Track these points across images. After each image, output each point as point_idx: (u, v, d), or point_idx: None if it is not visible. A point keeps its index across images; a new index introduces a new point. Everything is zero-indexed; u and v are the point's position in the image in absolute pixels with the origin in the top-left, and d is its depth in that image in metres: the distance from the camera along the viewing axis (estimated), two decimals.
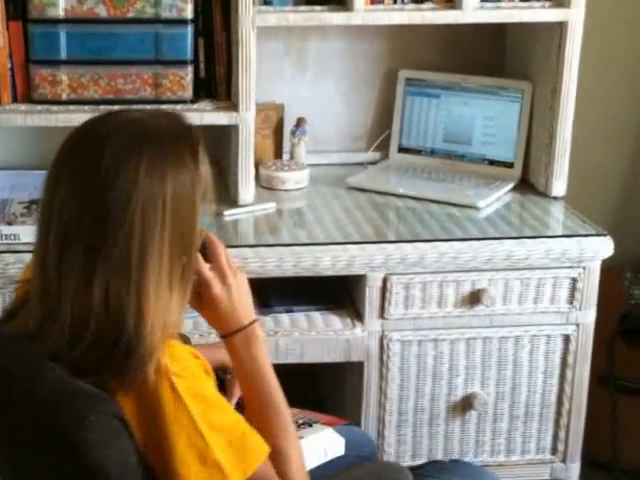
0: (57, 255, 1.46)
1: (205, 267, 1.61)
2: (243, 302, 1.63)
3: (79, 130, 1.52)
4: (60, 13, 2.43)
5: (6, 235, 2.29)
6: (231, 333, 1.64)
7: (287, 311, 2.40)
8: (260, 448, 1.54)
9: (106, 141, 1.46)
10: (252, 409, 1.66)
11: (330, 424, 1.99)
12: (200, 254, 1.60)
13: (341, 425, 2.09)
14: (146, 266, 1.44)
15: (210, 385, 1.53)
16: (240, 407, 2.01)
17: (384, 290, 2.35)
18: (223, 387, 1.89)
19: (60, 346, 1.46)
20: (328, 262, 2.31)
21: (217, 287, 1.61)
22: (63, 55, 2.47)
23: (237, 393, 1.99)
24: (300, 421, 1.97)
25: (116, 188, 1.43)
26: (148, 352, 1.44)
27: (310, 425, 1.96)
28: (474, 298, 2.38)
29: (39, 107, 2.48)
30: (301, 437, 1.86)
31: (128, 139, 1.47)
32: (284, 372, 2.13)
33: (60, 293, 1.46)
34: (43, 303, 1.48)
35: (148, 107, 2.42)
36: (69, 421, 1.41)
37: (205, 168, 1.54)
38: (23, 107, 2.48)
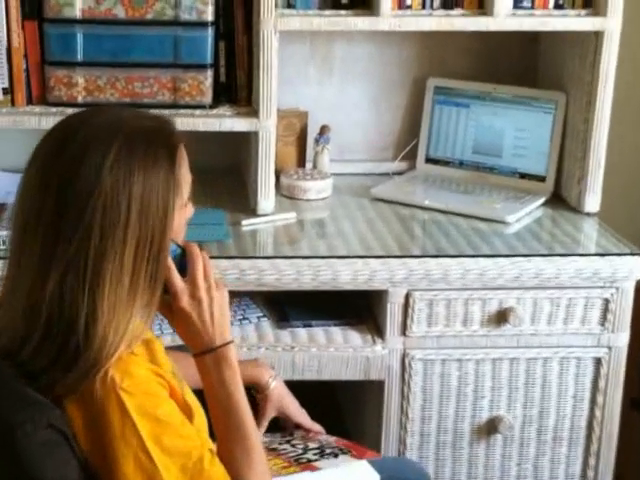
0: (17, 248, 1.42)
1: (176, 277, 1.52)
2: (216, 320, 1.54)
3: (63, 119, 1.47)
4: (77, 13, 2.37)
5: None
6: (201, 353, 1.55)
7: (305, 325, 2.30)
8: (218, 477, 1.46)
9: (78, 131, 1.41)
10: (219, 436, 1.57)
11: (364, 457, 1.88)
12: (176, 263, 1.51)
13: (390, 457, 1.99)
14: (104, 267, 1.37)
15: (167, 406, 1.45)
16: (276, 428, 1.94)
17: (406, 306, 2.25)
18: (255, 405, 1.81)
19: (13, 344, 1.40)
20: (348, 276, 2.22)
21: (184, 300, 1.52)
22: (79, 57, 2.40)
23: (270, 413, 1.91)
24: (327, 450, 1.87)
25: (77, 180, 1.37)
26: (97, 356, 1.37)
27: (336, 456, 1.86)
28: (501, 317, 2.28)
29: (54, 109, 2.41)
30: (318, 468, 1.76)
31: (99, 132, 1.41)
32: (302, 388, 2.06)
33: (16, 286, 1.41)
34: (3, 297, 1.44)
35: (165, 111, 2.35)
36: (4, 429, 1.35)
37: (183, 172, 1.47)
38: (38, 109, 2.42)
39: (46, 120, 2.36)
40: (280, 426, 1.98)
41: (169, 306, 1.53)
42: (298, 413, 1.96)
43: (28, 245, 1.39)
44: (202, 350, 1.55)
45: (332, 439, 1.96)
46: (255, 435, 1.56)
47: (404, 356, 2.28)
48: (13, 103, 2.41)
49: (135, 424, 1.39)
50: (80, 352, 1.37)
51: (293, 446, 1.88)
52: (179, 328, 1.56)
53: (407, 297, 2.24)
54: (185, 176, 1.48)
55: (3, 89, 2.39)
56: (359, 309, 2.37)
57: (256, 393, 1.87)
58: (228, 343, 1.55)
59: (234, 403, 1.55)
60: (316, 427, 1.99)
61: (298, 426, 1.98)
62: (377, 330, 2.30)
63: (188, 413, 1.51)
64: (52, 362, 1.38)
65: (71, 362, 1.37)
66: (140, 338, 1.45)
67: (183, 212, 1.51)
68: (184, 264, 1.53)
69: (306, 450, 1.86)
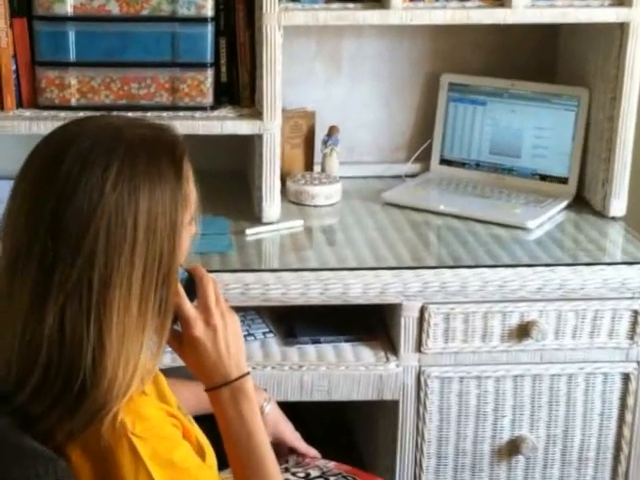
0: (9, 276, 1.26)
1: (187, 303, 1.38)
2: (231, 349, 1.40)
3: (49, 134, 1.32)
4: (68, 10, 2.22)
5: None
6: (216, 387, 1.41)
7: (314, 342, 2.16)
8: None
9: (71, 145, 1.25)
10: (237, 474, 1.44)
11: None
12: (184, 289, 1.37)
13: None
14: (110, 293, 1.23)
15: (182, 449, 1.32)
16: None
17: (421, 321, 2.11)
18: None
19: (6, 387, 1.25)
20: (359, 289, 2.08)
21: (199, 328, 1.38)
22: (72, 56, 2.26)
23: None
24: (331, 478, 1.74)
25: (76, 199, 1.22)
26: (107, 396, 1.23)
27: None
28: (523, 331, 2.14)
29: (45, 113, 2.27)
30: None
31: (96, 145, 1.25)
32: (311, 409, 1.92)
33: (8, 321, 1.25)
34: None
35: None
36: None
37: (190, 186, 1.33)
38: (28, 113, 2.28)
39: (37, 125, 2.23)
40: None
41: (178, 337, 1.41)
42: (293, 437, 1.83)
43: (20, 274, 1.25)
44: (218, 383, 1.42)
45: (331, 464, 1.83)
46: (277, 474, 1.44)
47: (419, 374, 2.14)
48: (2, 107, 2.27)
49: (150, 472, 1.27)
50: (86, 392, 1.24)
51: (294, 474, 1.74)
52: (191, 360, 1.43)
53: (422, 311, 2.11)
54: (192, 190, 1.35)
55: None
56: (371, 324, 2.23)
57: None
58: (246, 374, 1.43)
59: (254, 441, 1.43)
60: (312, 452, 1.85)
61: (292, 450, 1.84)
62: (390, 346, 2.17)
63: (200, 453, 1.39)
64: (53, 404, 1.24)
65: (76, 403, 1.24)
66: (152, 374, 1.33)
67: (189, 230, 1.37)
68: (192, 289, 1.41)
69: (308, 479, 1.73)
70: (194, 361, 1.42)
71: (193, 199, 1.36)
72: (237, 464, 1.43)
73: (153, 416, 1.30)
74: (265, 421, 1.74)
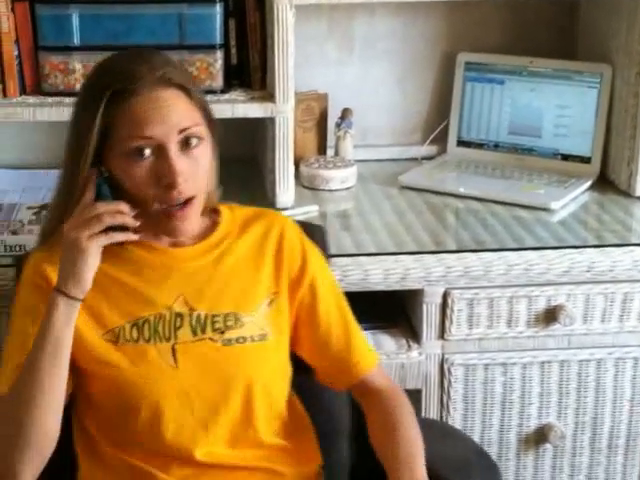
0: None
1: (82, 203, 1.50)
2: (62, 263, 1.49)
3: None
4: None
5: (10, 246, 2.03)
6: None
7: None
8: None
9: None
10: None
11: None
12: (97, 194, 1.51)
13: None
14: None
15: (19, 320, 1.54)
16: None
17: (444, 307, 2.06)
18: None
19: None
20: (379, 275, 2.02)
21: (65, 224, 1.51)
22: (76, 40, 2.19)
23: None
24: None
25: None
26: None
27: None
28: (550, 316, 2.08)
29: (50, 99, 2.20)
30: None
31: None
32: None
33: None
34: None
35: None
36: None
37: (117, 122, 1.49)
38: (32, 99, 2.21)
39: (41, 112, 2.16)
40: None
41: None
42: None
43: None
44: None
45: None
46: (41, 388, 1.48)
47: (443, 361, 2.09)
48: (5, 94, 2.20)
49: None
50: None
51: None
52: None
53: (445, 296, 2.05)
54: (122, 126, 1.49)
55: None
56: (392, 311, 2.17)
57: None
58: (60, 292, 1.49)
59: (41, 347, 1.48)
60: None
61: None
62: (412, 334, 2.11)
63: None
64: None
65: None
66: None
67: (130, 163, 1.50)
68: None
69: None
70: None
71: (127, 136, 1.48)
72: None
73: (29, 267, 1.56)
74: None
